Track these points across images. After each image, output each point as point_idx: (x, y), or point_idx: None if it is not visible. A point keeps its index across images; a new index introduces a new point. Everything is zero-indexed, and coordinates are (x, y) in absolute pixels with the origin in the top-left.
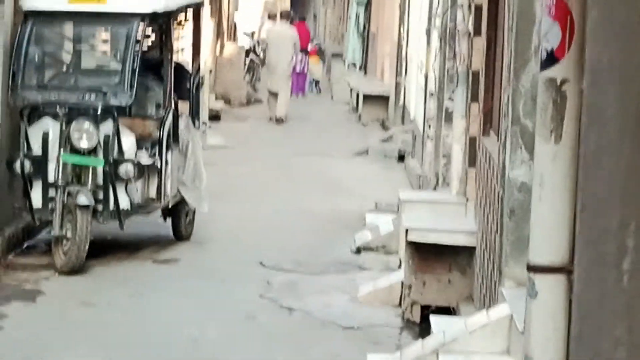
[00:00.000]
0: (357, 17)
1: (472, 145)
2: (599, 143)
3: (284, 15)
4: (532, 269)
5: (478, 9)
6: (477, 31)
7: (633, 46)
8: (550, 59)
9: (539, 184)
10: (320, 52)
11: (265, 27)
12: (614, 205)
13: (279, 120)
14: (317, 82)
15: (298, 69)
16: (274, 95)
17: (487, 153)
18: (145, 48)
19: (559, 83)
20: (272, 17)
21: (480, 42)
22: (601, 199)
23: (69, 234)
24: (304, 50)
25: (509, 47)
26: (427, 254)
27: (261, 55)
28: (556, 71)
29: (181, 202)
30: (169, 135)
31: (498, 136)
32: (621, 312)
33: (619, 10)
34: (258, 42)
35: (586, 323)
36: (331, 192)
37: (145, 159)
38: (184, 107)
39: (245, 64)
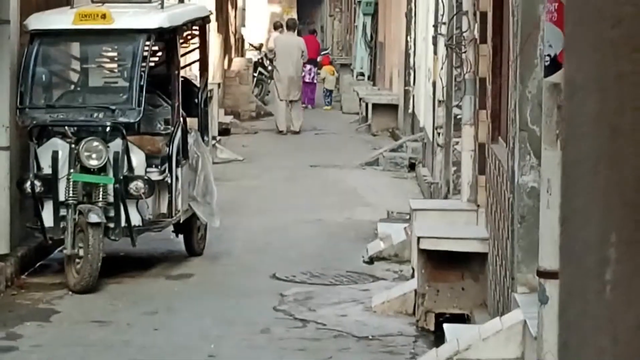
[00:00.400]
0: (364, 27)
1: (481, 152)
2: (577, 157)
3: (290, 25)
4: (542, 274)
5: (483, 15)
6: (483, 38)
7: (606, 61)
8: (554, 65)
9: (547, 190)
10: (332, 62)
11: (272, 37)
12: (594, 218)
13: (292, 132)
14: (330, 92)
15: (307, 79)
16: (283, 102)
17: (496, 160)
18: (152, 64)
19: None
20: (277, 27)
21: (486, 49)
22: (581, 211)
23: (81, 253)
24: (312, 60)
25: (515, 53)
26: (440, 262)
27: (269, 66)
28: (560, 77)
29: (193, 218)
30: (178, 151)
31: (506, 142)
32: (605, 323)
33: (593, 25)
34: (266, 55)
35: (571, 333)
36: (342, 202)
37: (155, 175)
38: (192, 122)
39: (253, 78)
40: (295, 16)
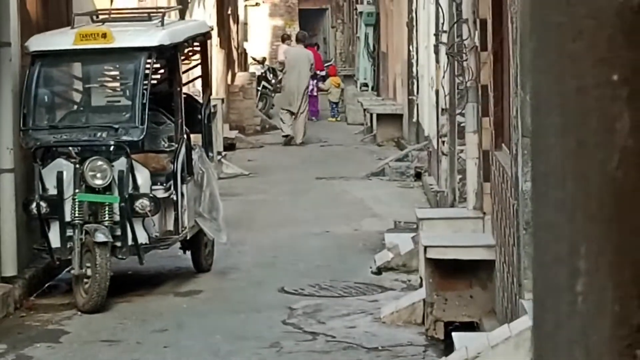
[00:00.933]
0: (367, 37)
1: (485, 160)
2: (545, 170)
3: (300, 38)
4: None
5: (483, 23)
6: (484, 45)
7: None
8: None
9: None
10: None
11: (282, 49)
12: (563, 231)
13: (292, 141)
14: (335, 104)
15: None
16: (290, 113)
17: (500, 166)
18: (154, 82)
19: None
20: (285, 40)
21: (487, 57)
22: (551, 224)
23: (89, 272)
24: (315, 73)
25: (515, 59)
26: (448, 271)
27: (274, 79)
28: None
29: (200, 234)
30: (183, 168)
31: (510, 149)
32: (578, 335)
33: (554, 39)
34: (269, 69)
35: (544, 346)
36: (349, 213)
37: (160, 193)
38: (197, 138)
39: (257, 92)
40: (297, 28)
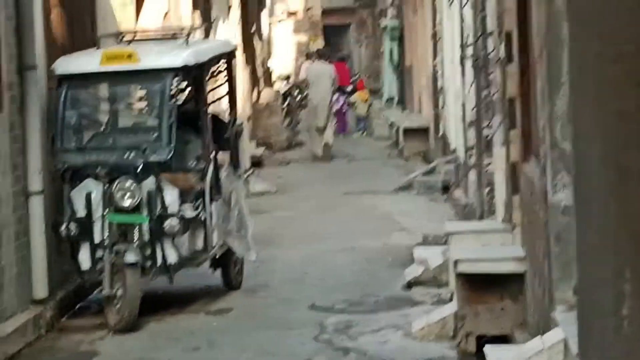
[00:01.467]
0: (391, 52)
1: (514, 172)
2: (587, 194)
3: (322, 54)
4: None
5: (508, 35)
6: (509, 58)
7: (610, 99)
8: None
9: None
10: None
11: (304, 66)
12: (607, 254)
13: (325, 157)
14: (363, 119)
15: (337, 107)
16: (318, 130)
17: (529, 179)
18: (180, 102)
19: None
20: (309, 57)
21: (514, 69)
22: (594, 247)
23: (119, 293)
24: (341, 87)
25: (541, 71)
26: (478, 284)
27: (299, 95)
28: None
29: (229, 252)
30: (211, 187)
31: (538, 161)
32: (622, 358)
33: (594, 63)
34: (294, 85)
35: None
36: (378, 228)
37: (189, 212)
38: (224, 157)
39: (283, 108)
40: (321, 45)
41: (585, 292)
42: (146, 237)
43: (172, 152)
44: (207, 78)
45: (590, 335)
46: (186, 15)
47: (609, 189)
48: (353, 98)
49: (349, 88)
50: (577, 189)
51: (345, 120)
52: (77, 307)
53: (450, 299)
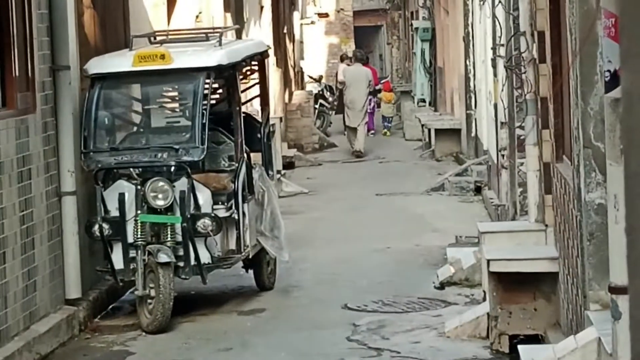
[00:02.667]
0: (423, 53)
1: (546, 172)
2: (638, 168)
3: (358, 57)
4: (614, 290)
5: (541, 35)
6: (542, 57)
7: None
8: (614, 80)
9: (614, 205)
10: (393, 89)
11: (341, 68)
12: None
13: (358, 154)
14: (389, 119)
15: (369, 109)
16: (352, 130)
17: (561, 178)
18: (213, 102)
19: None
20: (343, 59)
21: (546, 68)
22: None
23: (152, 293)
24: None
25: (574, 71)
26: (511, 284)
27: (333, 97)
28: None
29: (262, 252)
30: (244, 187)
31: (571, 161)
32: None
33: None
34: (326, 87)
35: None
36: (410, 229)
37: (222, 212)
38: (256, 157)
39: (314, 110)
40: (353, 46)
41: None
42: (179, 237)
43: (205, 152)
44: (240, 78)
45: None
46: (218, 16)
47: None
48: (378, 98)
49: (378, 87)
50: (628, 164)
51: (372, 120)
52: (110, 307)
53: (483, 299)
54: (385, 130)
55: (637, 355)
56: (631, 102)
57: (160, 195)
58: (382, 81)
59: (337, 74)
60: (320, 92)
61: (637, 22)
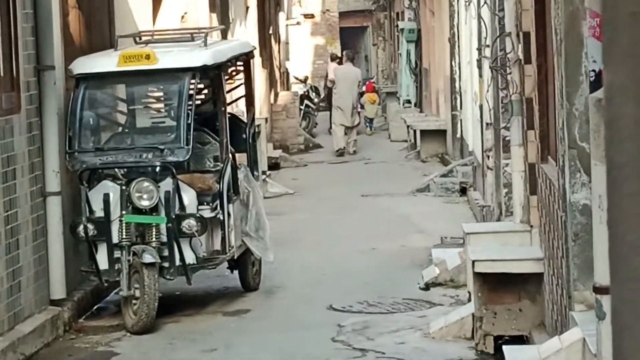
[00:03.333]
0: (408, 54)
1: (532, 173)
2: (619, 160)
3: (348, 57)
4: (599, 290)
5: (526, 36)
6: (527, 58)
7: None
8: (599, 80)
9: (599, 206)
10: (376, 90)
11: (332, 67)
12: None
13: (343, 152)
14: (371, 120)
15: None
16: (343, 128)
17: (547, 179)
18: (198, 102)
19: None
20: (334, 59)
21: (531, 69)
22: (627, 214)
23: (137, 293)
24: None
25: (559, 71)
26: (496, 285)
27: (318, 98)
28: None
29: (247, 253)
30: (229, 187)
31: (556, 161)
32: None
33: (627, 29)
34: (311, 88)
35: (624, 338)
36: (395, 230)
37: (207, 212)
38: (242, 158)
39: (300, 111)
40: (339, 47)
41: (618, 258)
42: (164, 237)
43: (190, 153)
44: (225, 79)
45: (623, 302)
46: (203, 17)
47: (639, 157)
48: (362, 99)
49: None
50: (610, 156)
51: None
52: (95, 307)
53: (468, 300)
54: (368, 128)
55: (617, 348)
56: (612, 95)
57: (145, 196)
58: (365, 82)
59: (327, 73)
60: (306, 93)
61: (620, 15)
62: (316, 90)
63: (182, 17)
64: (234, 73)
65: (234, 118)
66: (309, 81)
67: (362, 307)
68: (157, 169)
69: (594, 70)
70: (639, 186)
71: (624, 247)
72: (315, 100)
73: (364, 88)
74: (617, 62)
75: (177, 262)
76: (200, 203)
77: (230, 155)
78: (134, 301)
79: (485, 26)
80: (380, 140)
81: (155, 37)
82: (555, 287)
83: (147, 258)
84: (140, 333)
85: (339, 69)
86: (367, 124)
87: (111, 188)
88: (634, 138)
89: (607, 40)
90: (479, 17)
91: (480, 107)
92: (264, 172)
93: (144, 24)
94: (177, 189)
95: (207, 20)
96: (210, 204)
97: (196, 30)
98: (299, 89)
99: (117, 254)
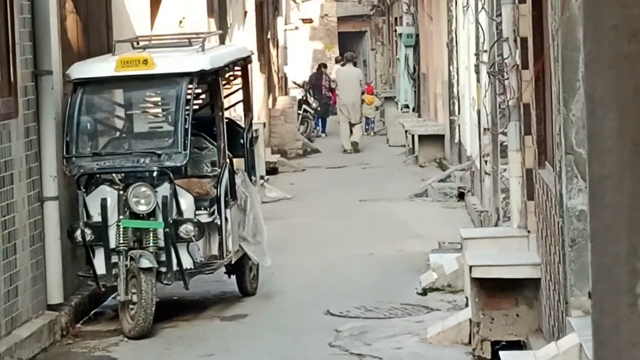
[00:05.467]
0: (407, 59)
1: (529, 178)
2: (601, 173)
3: (349, 58)
4: None
5: (524, 41)
6: (525, 64)
7: (623, 77)
8: None
9: None
10: (377, 94)
11: (334, 69)
12: (621, 232)
13: (355, 146)
14: (372, 120)
15: None
16: (350, 125)
17: (544, 184)
18: (196, 107)
19: None
20: (338, 61)
21: (529, 75)
22: (609, 226)
23: (134, 298)
24: None
25: (556, 77)
26: (493, 290)
27: (316, 103)
28: None
29: (244, 258)
30: (226, 192)
31: (553, 167)
32: (637, 335)
33: (609, 42)
34: (309, 92)
35: (605, 348)
36: (393, 235)
37: (204, 217)
38: (239, 163)
39: (298, 115)
40: (337, 51)
41: (600, 270)
42: (161, 242)
43: (188, 158)
44: (223, 84)
45: (604, 313)
46: (201, 22)
47: (623, 165)
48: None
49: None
50: (592, 167)
51: None
52: (92, 312)
53: (466, 305)
54: (368, 129)
55: (600, 354)
56: (594, 107)
57: (142, 201)
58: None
59: (329, 74)
60: (304, 98)
61: (601, 28)
62: (314, 94)
63: (180, 22)
64: (231, 78)
65: (231, 123)
66: (307, 86)
67: (359, 312)
68: (155, 173)
69: None
70: (620, 198)
71: (606, 259)
72: (314, 105)
73: (365, 87)
74: (598, 74)
75: (175, 267)
76: (197, 208)
77: (227, 160)
78: (131, 306)
79: (483, 31)
80: (379, 144)
81: (152, 42)
82: (552, 293)
83: (145, 263)
84: (137, 338)
85: (340, 70)
86: (367, 126)
87: (109, 193)
88: (615, 151)
89: (588, 53)
90: (477, 22)
91: (478, 112)
92: (261, 177)
93: (141, 29)
94: (175, 194)
95: (205, 25)
96: (208, 209)
97: (194, 35)
98: (297, 93)
99: (114, 258)
